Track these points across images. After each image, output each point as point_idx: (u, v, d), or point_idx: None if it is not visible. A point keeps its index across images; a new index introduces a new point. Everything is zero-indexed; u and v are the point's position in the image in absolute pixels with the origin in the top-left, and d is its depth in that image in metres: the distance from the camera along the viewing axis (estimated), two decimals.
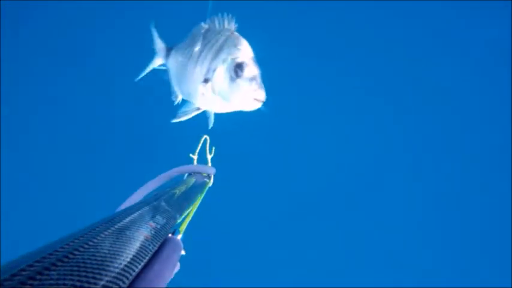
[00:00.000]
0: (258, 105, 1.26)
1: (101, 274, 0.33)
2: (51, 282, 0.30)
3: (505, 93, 4.94)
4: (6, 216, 4.17)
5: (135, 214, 0.53)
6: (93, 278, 0.33)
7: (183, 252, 0.63)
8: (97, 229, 0.43)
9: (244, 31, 1.39)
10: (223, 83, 1.26)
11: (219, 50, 1.30)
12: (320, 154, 4.90)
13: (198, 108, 1.40)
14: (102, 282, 0.33)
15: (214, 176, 1.27)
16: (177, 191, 0.84)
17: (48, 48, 4.90)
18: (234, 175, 4.08)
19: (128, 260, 0.39)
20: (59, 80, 4.78)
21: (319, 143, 4.91)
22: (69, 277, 0.31)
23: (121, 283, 0.35)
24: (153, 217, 0.55)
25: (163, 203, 0.66)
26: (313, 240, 4.66)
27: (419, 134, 5.03)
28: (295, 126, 4.94)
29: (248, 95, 1.23)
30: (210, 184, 1.19)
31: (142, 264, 0.42)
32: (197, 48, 1.40)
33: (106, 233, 0.43)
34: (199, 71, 1.34)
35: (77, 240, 0.38)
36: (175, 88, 1.60)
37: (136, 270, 0.40)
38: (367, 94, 5.01)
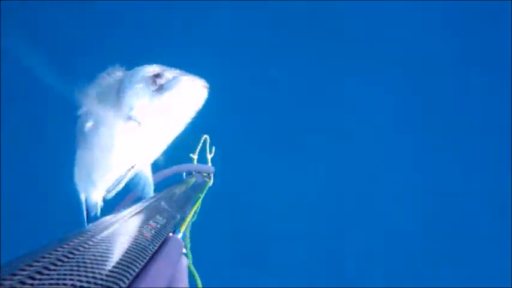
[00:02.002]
0: (204, 92, 1.10)
1: (101, 274, 0.33)
2: (51, 281, 0.29)
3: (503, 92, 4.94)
4: (6, 216, 4.17)
5: (135, 214, 0.53)
6: (93, 277, 0.32)
7: (184, 251, 0.63)
8: (97, 229, 0.43)
9: None
10: (150, 101, 1.07)
11: (117, 93, 1.12)
12: (321, 154, 4.90)
13: (132, 167, 1.15)
14: (102, 282, 0.32)
15: (214, 175, 1.27)
16: (177, 191, 0.84)
17: (49, 49, 4.89)
18: (235, 175, 4.08)
19: (128, 259, 0.39)
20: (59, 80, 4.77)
21: (319, 143, 4.91)
22: (69, 277, 0.31)
23: (121, 283, 0.35)
24: (153, 217, 0.55)
25: (163, 203, 0.66)
26: (316, 241, 4.65)
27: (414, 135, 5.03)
28: (294, 127, 4.94)
29: (190, 85, 1.07)
30: (210, 184, 1.19)
31: (142, 263, 0.42)
32: (89, 124, 1.18)
33: (106, 232, 0.43)
34: (108, 125, 1.12)
35: (76, 240, 0.38)
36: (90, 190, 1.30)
37: (137, 270, 0.40)
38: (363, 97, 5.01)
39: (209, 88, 1.08)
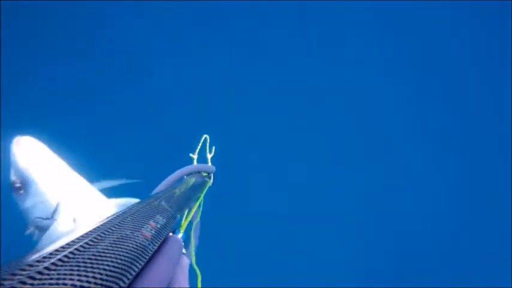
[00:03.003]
0: (26, 141, 1.41)
1: (101, 274, 0.33)
2: (51, 281, 0.29)
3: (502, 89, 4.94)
4: (6, 215, 4.17)
5: (136, 214, 0.53)
6: (93, 277, 0.32)
7: (184, 251, 0.63)
8: (97, 229, 0.43)
9: None
10: (33, 198, 1.39)
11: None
12: (320, 156, 4.90)
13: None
14: (102, 282, 0.32)
15: (214, 175, 1.27)
16: (177, 191, 0.84)
17: (48, 48, 4.89)
18: (235, 175, 4.08)
19: (128, 259, 0.39)
20: (58, 80, 4.77)
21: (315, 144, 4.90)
22: (69, 277, 0.31)
23: (121, 283, 0.35)
24: (153, 217, 0.55)
25: (163, 203, 0.66)
26: (317, 242, 4.65)
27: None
28: (293, 126, 4.94)
29: (19, 160, 1.38)
30: (210, 183, 1.19)
31: (142, 263, 0.42)
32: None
33: (106, 232, 0.43)
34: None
35: (77, 240, 0.38)
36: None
37: (137, 269, 0.40)
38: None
39: (28, 135, 1.31)
